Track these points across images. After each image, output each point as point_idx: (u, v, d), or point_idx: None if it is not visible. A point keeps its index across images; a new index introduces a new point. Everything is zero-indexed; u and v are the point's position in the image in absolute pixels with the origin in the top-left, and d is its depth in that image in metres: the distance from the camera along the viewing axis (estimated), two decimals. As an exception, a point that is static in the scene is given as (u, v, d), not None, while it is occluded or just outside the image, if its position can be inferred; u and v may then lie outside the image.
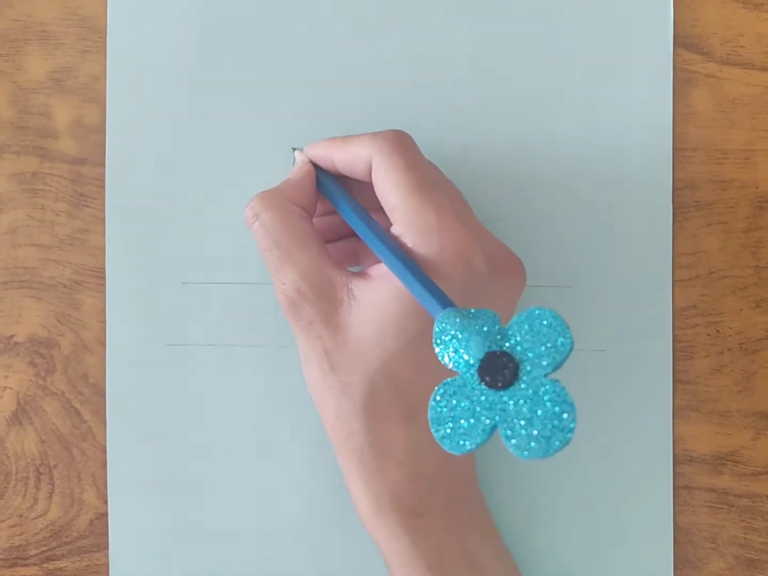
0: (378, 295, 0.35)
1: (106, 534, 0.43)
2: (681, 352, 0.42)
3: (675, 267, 0.42)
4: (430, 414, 0.28)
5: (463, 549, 0.36)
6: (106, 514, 0.43)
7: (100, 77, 0.43)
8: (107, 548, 0.43)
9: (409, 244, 0.35)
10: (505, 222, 0.42)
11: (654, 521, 0.42)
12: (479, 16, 0.43)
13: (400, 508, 0.35)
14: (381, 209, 0.37)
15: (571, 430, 0.27)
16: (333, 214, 0.40)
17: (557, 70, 0.43)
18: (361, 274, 0.36)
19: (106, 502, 0.43)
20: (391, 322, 0.35)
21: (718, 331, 0.42)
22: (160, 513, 0.43)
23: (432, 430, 0.28)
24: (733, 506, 0.42)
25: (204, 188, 0.43)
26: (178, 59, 0.43)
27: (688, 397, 0.42)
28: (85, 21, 0.43)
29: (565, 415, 0.27)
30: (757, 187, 0.42)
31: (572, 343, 0.28)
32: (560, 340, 0.28)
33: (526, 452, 0.27)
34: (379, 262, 0.35)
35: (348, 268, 0.37)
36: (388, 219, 0.36)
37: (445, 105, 0.43)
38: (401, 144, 0.36)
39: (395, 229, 0.36)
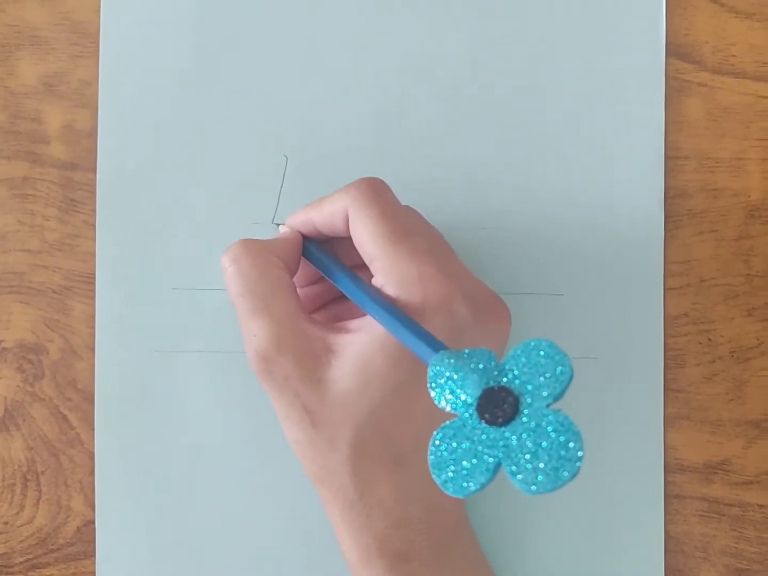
0: (359, 347, 0.34)
1: (93, 541, 0.42)
2: (672, 360, 0.42)
3: (667, 275, 0.42)
4: (430, 459, 0.28)
5: None
6: (93, 521, 0.42)
7: (92, 82, 0.43)
8: (94, 556, 0.42)
9: (392, 295, 0.35)
10: (498, 230, 0.42)
11: (645, 530, 0.42)
12: (473, 27, 0.43)
13: (388, 554, 0.35)
14: (365, 265, 0.36)
15: (579, 459, 0.26)
16: (316, 284, 0.40)
17: (550, 79, 0.43)
18: (338, 328, 0.36)
19: (93, 509, 0.42)
20: (376, 372, 0.34)
21: (709, 340, 0.42)
22: (147, 520, 0.42)
23: (433, 476, 0.28)
24: (724, 515, 0.42)
25: (195, 194, 0.43)
26: (170, 65, 0.43)
27: (680, 406, 0.42)
28: (77, 26, 0.43)
29: (571, 444, 0.26)
30: (749, 196, 0.42)
31: (572, 371, 0.27)
32: (559, 369, 0.27)
33: (534, 487, 0.26)
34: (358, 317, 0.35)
35: None
36: (371, 273, 0.36)
37: (440, 113, 0.43)
38: (374, 192, 0.36)
39: (376, 281, 0.35)
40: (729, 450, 0.42)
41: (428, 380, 0.29)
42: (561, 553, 0.42)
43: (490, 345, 0.36)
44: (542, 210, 0.42)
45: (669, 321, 0.42)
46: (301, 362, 0.34)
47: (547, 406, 0.27)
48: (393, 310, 0.34)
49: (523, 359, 0.28)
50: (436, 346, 0.31)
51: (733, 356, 0.42)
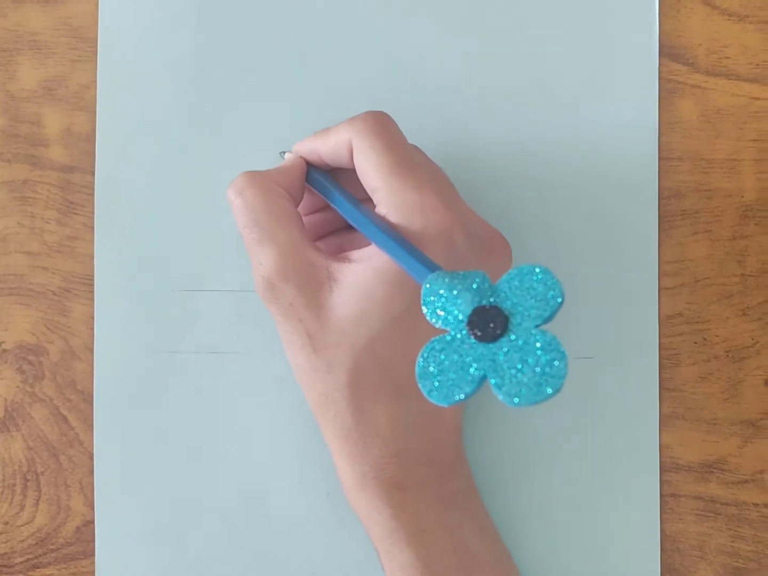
0: (361, 276, 0.35)
1: (93, 541, 0.43)
2: (667, 359, 0.42)
3: (661, 275, 0.42)
4: (417, 368, 0.28)
5: (445, 523, 0.36)
6: (92, 521, 0.43)
7: (91, 86, 0.44)
8: (93, 555, 0.43)
9: (393, 222, 0.35)
10: (493, 230, 0.42)
11: (641, 529, 0.42)
12: (467, 28, 0.43)
13: (384, 482, 0.35)
14: (369, 200, 0.37)
15: (563, 377, 0.27)
16: (321, 212, 0.40)
17: (544, 80, 0.43)
18: (341, 258, 0.36)
19: (92, 509, 0.43)
20: (375, 301, 0.35)
21: (704, 339, 0.42)
22: (146, 520, 0.43)
23: (419, 385, 0.28)
24: (720, 514, 0.42)
25: (193, 196, 0.43)
26: (169, 68, 0.43)
27: (675, 405, 0.42)
28: (76, 31, 0.44)
29: (556, 362, 0.27)
30: (743, 196, 0.42)
31: (562, 296, 0.28)
32: (551, 293, 0.28)
33: (516, 399, 0.27)
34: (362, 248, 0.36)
35: None
36: (373, 206, 0.36)
37: (434, 112, 0.43)
38: (379, 124, 0.36)
39: (378, 210, 0.36)
40: (724, 449, 0.42)
41: (422, 296, 0.30)
42: (557, 551, 0.42)
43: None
44: (536, 211, 0.43)
45: (664, 321, 0.42)
46: (305, 289, 0.35)
47: (536, 326, 0.28)
48: (392, 233, 0.34)
49: (516, 282, 0.29)
50: (432, 267, 0.32)
51: (727, 356, 0.42)
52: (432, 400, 0.28)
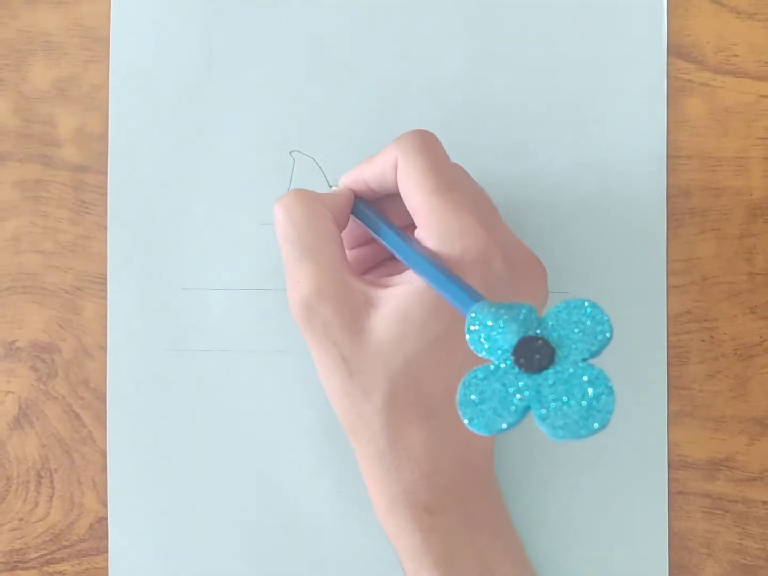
0: (399, 300, 0.35)
1: (106, 538, 0.43)
2: (675, 357, 0.42)
3: (669, 273, 0.43)
4: (458, 397, 0.28)
5: (473, 546, 0.36)
6: (105, 518, 0.43)
7: (103, 86, 0.44)
8: (107, 552, 0.43)
9: (432, 248, 0.35)
10: (502, 229, 0.43)
11: (649, 527, 0.42)
12: (475, 27, 0.43)
13: (414, 504, 0.36)
14: (414, 225, 0.37)
15: (610, 412, 0.26)
16: (365, 246, 0.40)
17: (552, 79, 0.43)
18: (378, 283, 0.36)
19: (105, 506, 0.43)
20: (413, 324, 0.35)
21: (712, 337, 0.42)
22: (159, 517, 0.43)
23: (460, 412, 0.28)
24: (728, 512, 0.42)
25: (204, 195, 0.44)
26: (180, 68, 0.44)
27: (683, 403, 0.42)
28: (88, 31, 0.44)
29: (603, 397, 0.26)
30: (751, 195, 0.43)
31: (611, 331, 0.28)
32: (599, 328, 0.28)
33: (561, 431, 0.26)
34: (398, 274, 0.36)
35: None
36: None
37: (441, 113, 0.43)
38: (424, 144, 0.36)
39: (418, 233, 0.36)
40: (732, 447, 0.42)
41: (466, 325, 0.29)
42: (565, 549, 0.42)
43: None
44: (545, 210, 0.43)
45: (672, 319, 0.42)
46: (341, 311, 0.35)
47: (584, 360, 0.27)
48: (433, 261, 0.34)
49: (564, 315, 0.28)
50: (475, 296, 0.31)
51: (736, 354, 0.42)
52: (473, 429, 0.27)
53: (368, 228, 0.38)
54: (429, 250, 0.35)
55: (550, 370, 0.27)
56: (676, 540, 0.42)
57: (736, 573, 0.42)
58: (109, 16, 0.44)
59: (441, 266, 0.34)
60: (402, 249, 0.36)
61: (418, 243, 0.36)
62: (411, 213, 0.36)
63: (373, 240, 0.39)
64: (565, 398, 0.27)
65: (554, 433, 0.26)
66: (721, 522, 0.42)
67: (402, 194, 0.37)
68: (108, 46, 0.44)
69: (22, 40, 0.44)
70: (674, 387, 0.42)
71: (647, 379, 0.42)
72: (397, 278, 0.36)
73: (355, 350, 0.35)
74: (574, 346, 0.28)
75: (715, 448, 0.42)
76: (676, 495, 0.42)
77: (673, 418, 0.42)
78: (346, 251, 0.38)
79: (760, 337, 0.42)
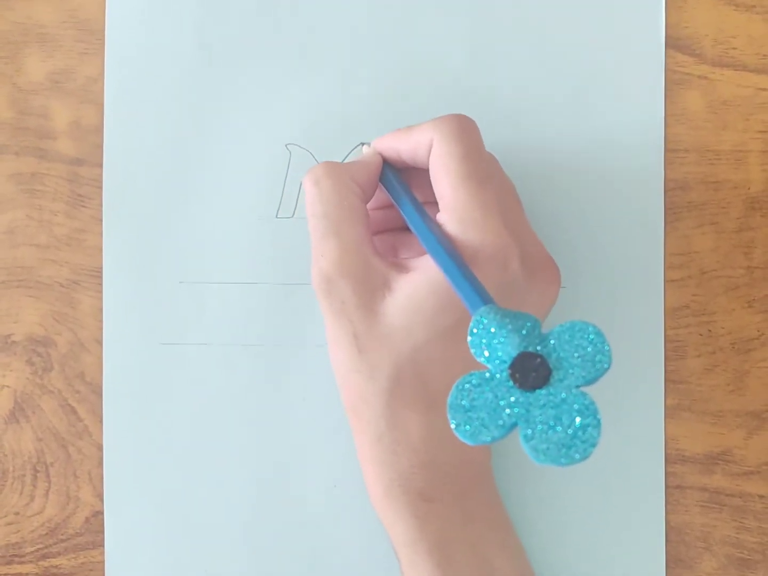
0: (414, 287, 0.35)
1: (102, 532, 0.43)
2: (673, 351, 0.42)
3: (667, 267, 0.42)
4: (449, 399, 0.28)
5: (468, 536, 0.37)
6: (101, 512, 0.43)
7: (98, 79, 0.44)
8: (103, 546, 0.43)
9: (451, 233, 0.35)
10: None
11: (646, 521, 0.42)
12: (473, 21, 0.43)
13: (410, 491, 0.36)
14: (435, 203, 0.37)
15: (594, 446, 0.26)
16: (384, 209, 0.40)
17: (550, 72, 0.43)
18: (398, 266, 0.36)
19: (102, 499, 0.43)
20: (425, 314, 0.35)
21: (710, 331, 0.42)
22: (155, 511, 0.43)
23: (449, 417, 0.28)
24: (725, 506, 0.42)
25: (200, 189, 0.43)
26: (175, 61, 0.44)
27: (680, 397, 0.42)
28: (83, 23, 0.44)
29: (590, 429, 0.27)
30: (749, 188, 0.42)
31: (610, 362, 0.28)
32: (599, 357, 0.28)
33: (542, 456, 0.26)
34: (417, 257, 0.36)
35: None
36: (437, 210, 0.37)
37: (440, 106, 0.43)
38: (462, 130, 0.36)
39: (440, 217, 0.36)
40: (730, 441, 0.42)
41: (470, 327, 0.29)
42: (562, 543, 0.42)
43: (536, 304, 0.37)
44: (542, 203, 0.43)
45: (669, 313, 0.42)
46: (359, 290, 0.35)
47: (577, 387, 0.27)
48: (450, 251, 0.34)
49: (566, 336, 0.28)
50: (485, 298, 0.31)
51: (733, 347, 0.42)
52: (458, 435, 0.28)
53: (391, 196, 0.38)
54: (448, 235, 0.35)
55: (543, 391, 0.27)
56: (673, 534, 0.42)
57: (733, 567, 0.42)
58: (104, 8, 0.44)
59: (456, 256, 0.34)
60: (420, 228, 0.35)
61: (439, 225, 0.36)
62: (437, 196, 0.36)
63: (392, 205, 0.39)
64: (552, 423, 0.27)
65: (536, 456, 0.27)
66: (718, 516, 0.42)
67: (432, 175, 0.37)
68: (103, 39, 0.44)
69: (16, 32, 0.44)
70: (671, 381, 0.42)
71: (644, 373, 0.42)
72: (415, 262, 0.36)
73: (367, 330, 0.35)
74: (570, 371, 0.28)
75: (713, 442, 0.42)
76: (673, 489, 0.42)
77: (670, 412, 0.42)
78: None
79: (758, 331, 0.42)
